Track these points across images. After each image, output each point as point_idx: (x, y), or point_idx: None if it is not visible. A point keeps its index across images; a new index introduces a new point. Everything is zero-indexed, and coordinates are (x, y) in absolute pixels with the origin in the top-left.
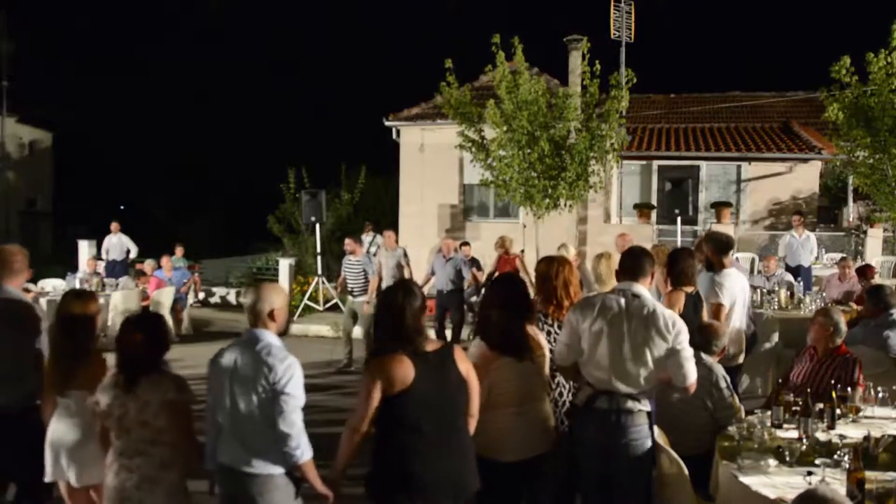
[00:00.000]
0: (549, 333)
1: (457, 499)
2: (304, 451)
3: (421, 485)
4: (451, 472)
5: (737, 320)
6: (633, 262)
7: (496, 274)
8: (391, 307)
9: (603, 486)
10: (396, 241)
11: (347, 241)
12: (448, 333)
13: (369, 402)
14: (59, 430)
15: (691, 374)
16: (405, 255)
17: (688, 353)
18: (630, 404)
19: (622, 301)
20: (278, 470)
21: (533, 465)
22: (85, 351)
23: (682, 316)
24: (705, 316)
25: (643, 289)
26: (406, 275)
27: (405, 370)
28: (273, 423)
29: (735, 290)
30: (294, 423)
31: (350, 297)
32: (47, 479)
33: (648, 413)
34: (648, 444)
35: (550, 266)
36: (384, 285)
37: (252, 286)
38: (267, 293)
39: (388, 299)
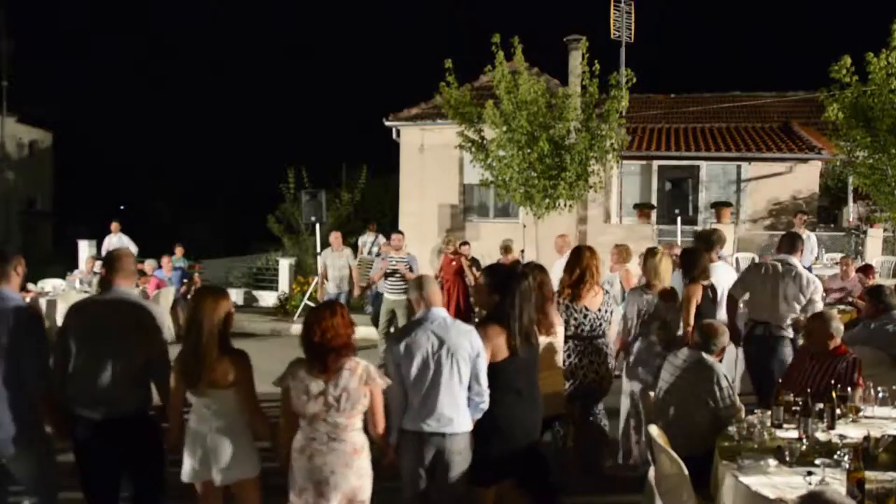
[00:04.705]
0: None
1: (532, 437)
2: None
3: (512, 434)
4: (533, 422)
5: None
6: (789, 243)
7: (441, 272)
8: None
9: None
10: (344, 244)
11: (394, 236)
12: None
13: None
14: (202, 429)
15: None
16: (352, 256)
17: (818, 302)
18: (778, 332)
19: (779, 266)
20: (470, 426)
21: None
22: (226, 348)
23: (699, 305)
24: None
25: (795, 260)
26: (355, 276)
27: (509, 340)
28: (467, 383)
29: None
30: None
31: (389, 296)
32: (187, 479)
33: (791, 339)
34: (789, 358)
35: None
36: (331, 285)
37: (417, 279)
38: (434, 281)
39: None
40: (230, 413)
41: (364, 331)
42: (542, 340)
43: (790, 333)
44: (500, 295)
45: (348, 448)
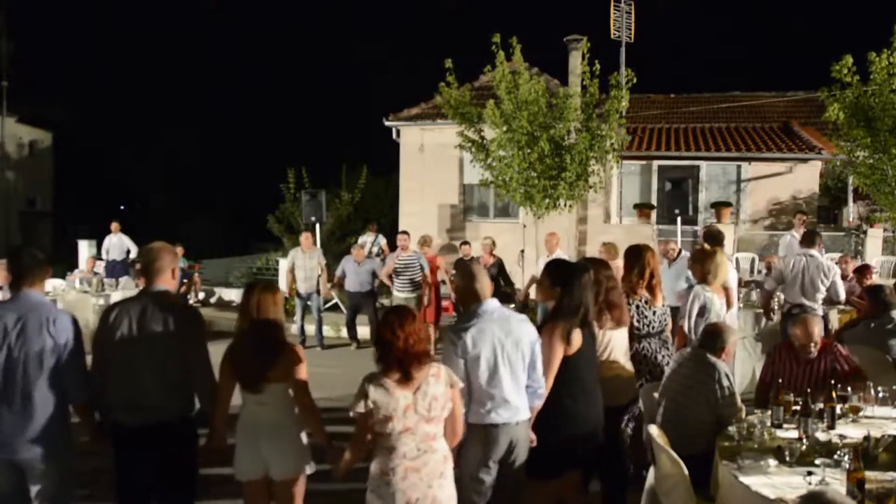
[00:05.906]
0: (637, 307)
1: (596, 430)
2: None
3: (579, 425)
4: (598, 414)
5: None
6: (809, 239)
7: None
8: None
9: None
10: (315, 243)
11: (402, 236)
12: (360, 330)
13: (555, 362)
14: (257, 426)
15: (841, 294)
16: (322, 256)
17: (839, 282)
18: (811, 311)
19: (804, 259)
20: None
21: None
22: (280, 344)
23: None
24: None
25: (815, 252)
26: (324, 277)
27: (579, 334)
28: (527, 371)
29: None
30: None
31: (399, 294)
32: (243, 478)
33: (823, 316)
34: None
35: (639, 254)
36: (302, 285)
37: (467, 270)
38: (485, 272)
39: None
40: (284, 408)
41: (362, 331)
42: (614, 332)
43: (821, 311)
44: (561, 288)
45: (440, 457)
